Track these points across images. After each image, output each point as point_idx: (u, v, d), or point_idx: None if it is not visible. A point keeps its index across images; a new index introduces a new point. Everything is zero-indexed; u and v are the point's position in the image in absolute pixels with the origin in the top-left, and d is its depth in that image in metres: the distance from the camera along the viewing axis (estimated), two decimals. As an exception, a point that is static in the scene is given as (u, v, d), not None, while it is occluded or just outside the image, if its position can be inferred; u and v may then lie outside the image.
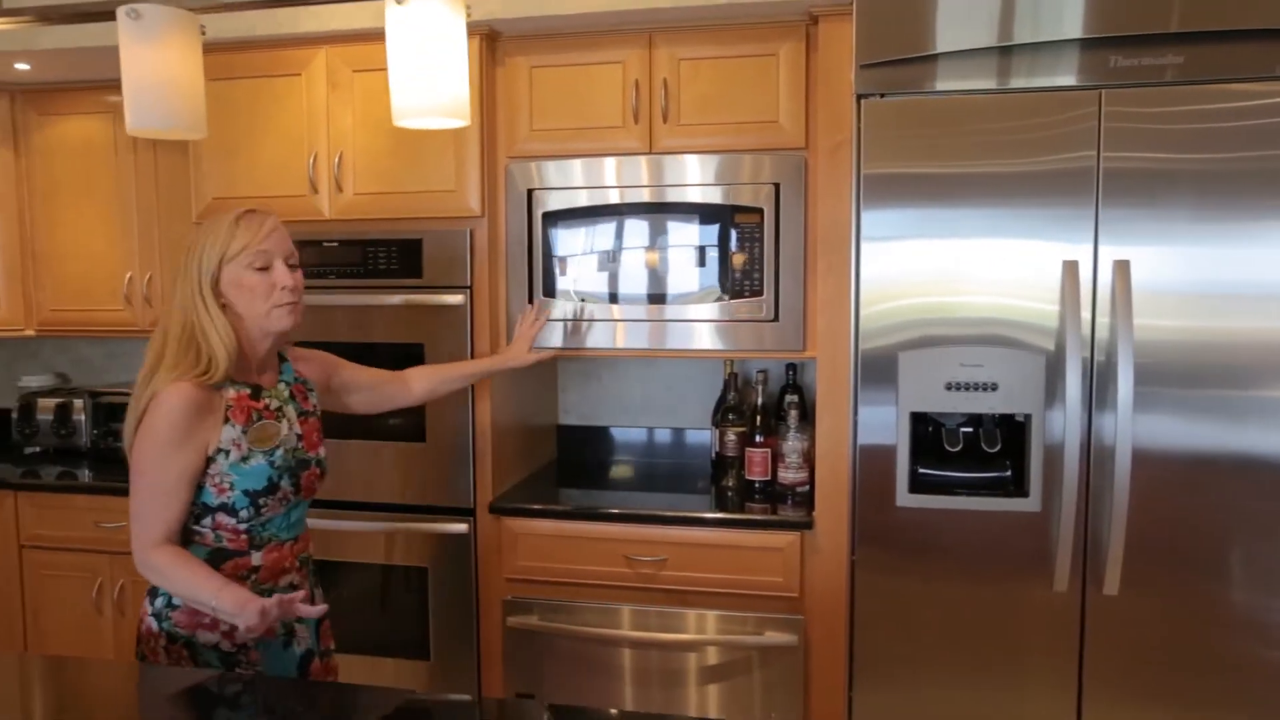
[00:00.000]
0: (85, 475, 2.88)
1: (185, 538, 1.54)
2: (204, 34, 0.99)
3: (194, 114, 1.00)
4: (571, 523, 2.36)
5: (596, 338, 2.42)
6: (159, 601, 1.55)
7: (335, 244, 2.45)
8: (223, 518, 1.53)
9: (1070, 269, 1.97)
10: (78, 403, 3.12)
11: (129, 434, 1.53)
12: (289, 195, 2.47)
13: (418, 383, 2.03)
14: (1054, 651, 2.06)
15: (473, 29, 2.33)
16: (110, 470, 2.92)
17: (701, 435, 2.90)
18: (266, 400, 1.58)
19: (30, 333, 3.08)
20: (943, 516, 2.11)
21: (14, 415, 3.17)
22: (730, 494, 2.49)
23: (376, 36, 2.39)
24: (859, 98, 2.09)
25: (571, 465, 2.90)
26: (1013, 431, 2.13)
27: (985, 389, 2.07)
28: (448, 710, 1.25)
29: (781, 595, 2.27)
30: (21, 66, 2.76)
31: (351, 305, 2.45)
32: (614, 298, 2.40)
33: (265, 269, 1.52)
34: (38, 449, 3.22)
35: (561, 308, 2.42)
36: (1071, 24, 1.96)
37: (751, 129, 2.30)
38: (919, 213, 2.05)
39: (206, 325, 1.49)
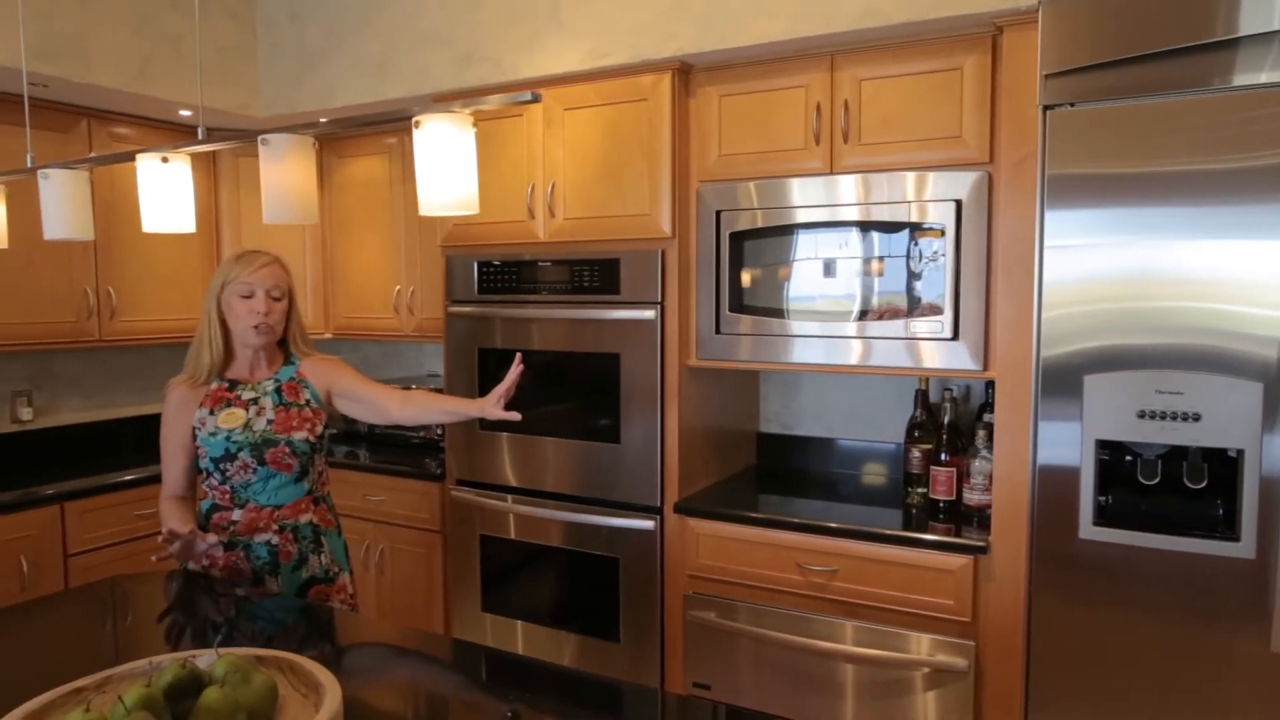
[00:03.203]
0: (363, 456, 3.46)
1: (201, 495, 2.08)
2: (316, 148, 1.29)
3: (309, 209, 1.33)
4: (747, 527, 2.47)
5: (778, 352, 2.51)
6: None
7: (548, 264, 2.76)
8: (212, 480, 2.03)
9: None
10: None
11: None
12: (511, 220, 2.83)
13: (402, 406, 2.10)
14: (1269, 717, 1.84)
15: (665, 64, 2.52)
16: (383, 452, 3.49)
17: (899, 449, 2.88)
18: (239, 392, 2.05)
19: (329, 336, 3.76)
20: (1133, 554, 1.96)
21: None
22: (913, 511, 2.47)
23: (584, 78, 2.67)
24: (1045, 109, 2.00)
25: (768, 472, 3.00)
26: (1223, 466, 1.93)
27: (1185, 419, 1.90)
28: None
29: (952, 618, 2.22)
30: (323, 120, 3.39)
31: (560, 319, 2.76)
32: (795, 314, 2.48)
33: (249, 297, 2.00)
34: (332, 431, 3.91)
35: (745, 323, 2.55)
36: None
37: (933, 145, 2.27)
38: (1108, 213, 1.93)
39: (204, 336, 2.04)
